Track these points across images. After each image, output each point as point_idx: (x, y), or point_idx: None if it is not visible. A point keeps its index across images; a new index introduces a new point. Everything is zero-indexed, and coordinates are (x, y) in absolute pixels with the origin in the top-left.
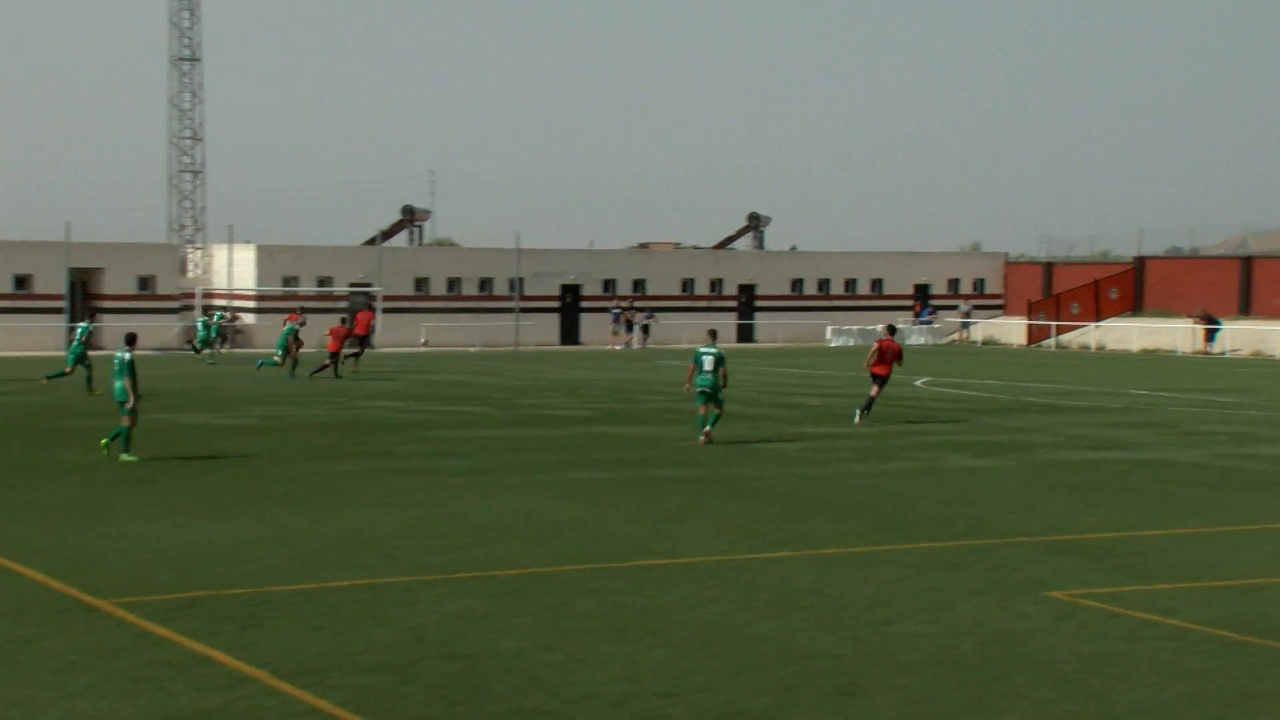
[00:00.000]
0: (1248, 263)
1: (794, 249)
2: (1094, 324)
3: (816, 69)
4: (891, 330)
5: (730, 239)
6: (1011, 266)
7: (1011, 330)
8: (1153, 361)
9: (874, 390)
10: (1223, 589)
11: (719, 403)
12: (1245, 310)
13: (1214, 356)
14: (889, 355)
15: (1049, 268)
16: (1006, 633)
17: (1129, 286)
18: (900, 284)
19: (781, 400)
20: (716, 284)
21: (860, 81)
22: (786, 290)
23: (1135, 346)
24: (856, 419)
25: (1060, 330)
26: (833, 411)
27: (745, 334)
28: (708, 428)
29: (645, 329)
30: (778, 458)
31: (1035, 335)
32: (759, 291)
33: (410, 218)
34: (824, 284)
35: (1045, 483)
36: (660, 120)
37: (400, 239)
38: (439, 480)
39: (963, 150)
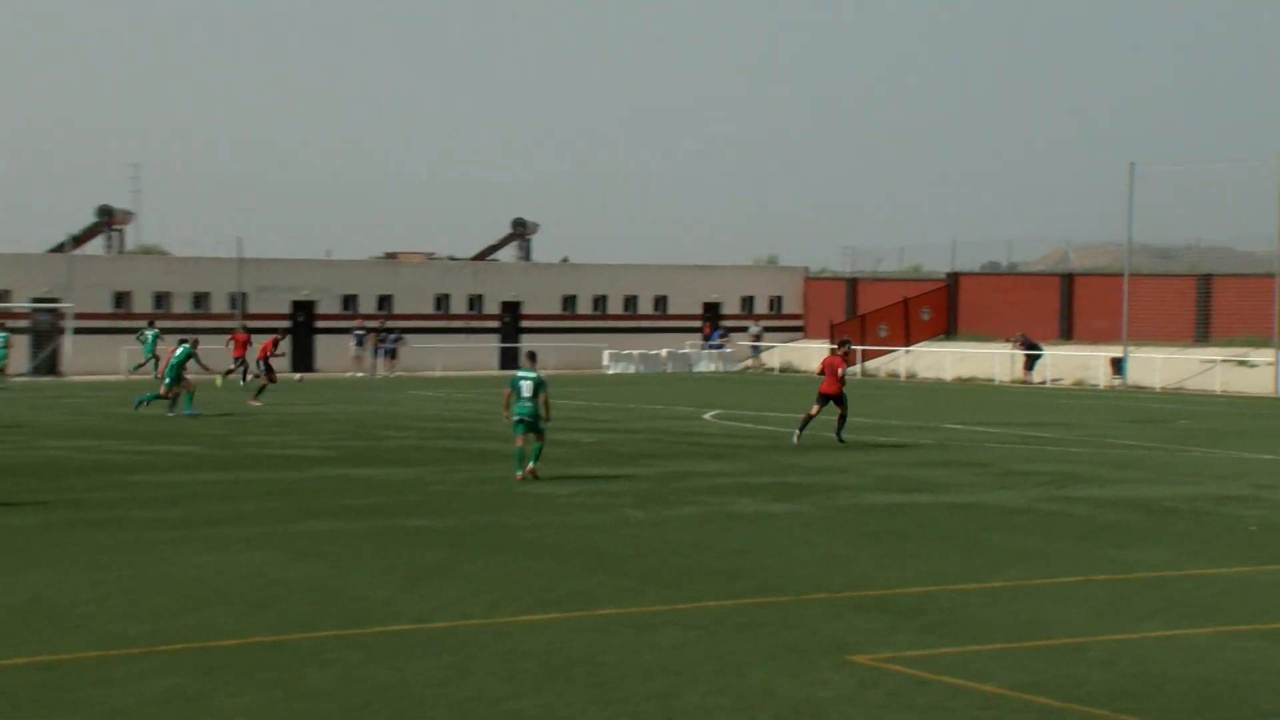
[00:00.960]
0: (1069, 280)
1: (566, 261)
2: (904, 348)
3: (592, 59)
4: (842, 344)
5: (492, 249)
6: (812, 283)
7: (812, 355)
8: (968, 391)
9: (815, 410)
10: (1042, 649)
11: (540, 433)
12: (1067, 334)
13: (1034, 386)
14: (831, 371)
15: (853, 284)
16: (805, 703)
17: (942, 306)
18: (687, 302)
19: (551, 437)
20: (476, 301)
21: (643, 74)
22: (557, 308)
23: (949, 374)
24: (793, 435)
25: (867, 355)
26: (611, 449)
27: (509, 359)
28: (530, 464)
29: (392, 353)
30: (546, 504)
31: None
32: (525, 310)
33: (108, 220)
34: (600, 301)
35: (849, 530)
36: (410, 113)
37: (96, 245)
38: (140, 534)
39: (758, 153)
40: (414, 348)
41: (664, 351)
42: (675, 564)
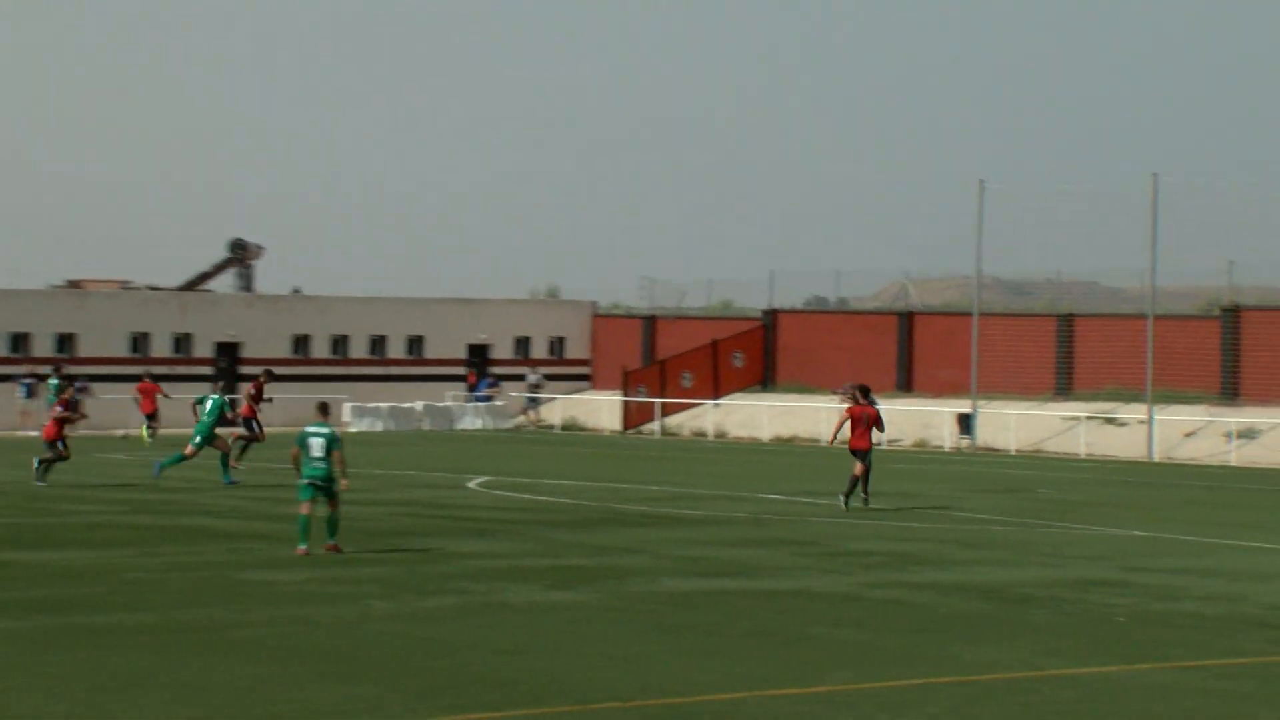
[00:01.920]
0: (908, 320)
1: (297, 292)
2: (712, 401)
3: (340, 51)
4: (864, 392)
5: (204, 276)
6: (602, 321)
7: (601, 409)
8: (790, 454)
9: (856, 469)
10: None
11: (334, 498)
12: (906, 384)
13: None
14: (863, 423)
15: (652, 323)
16: None
17: (757, 350)
18: (448, 344)
19: (275, 510)
20: (183, 340)
21: (400, 73)
22: (286, 350)
23: (767, 433)
24: (843, 504)
25: (667, 410)
26: (352, 525)
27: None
28: (328, 539)
29: (74, 404)
30: (270, 594)
31: (634, 417)
32: (246, 352)
33: None
34: (340, 342)
35: (644, 624)
36: (102, 117)
37: None
38: None
39: (536, 171)
40: (103, 399)
41: (419, 404)
42: (430, 668)
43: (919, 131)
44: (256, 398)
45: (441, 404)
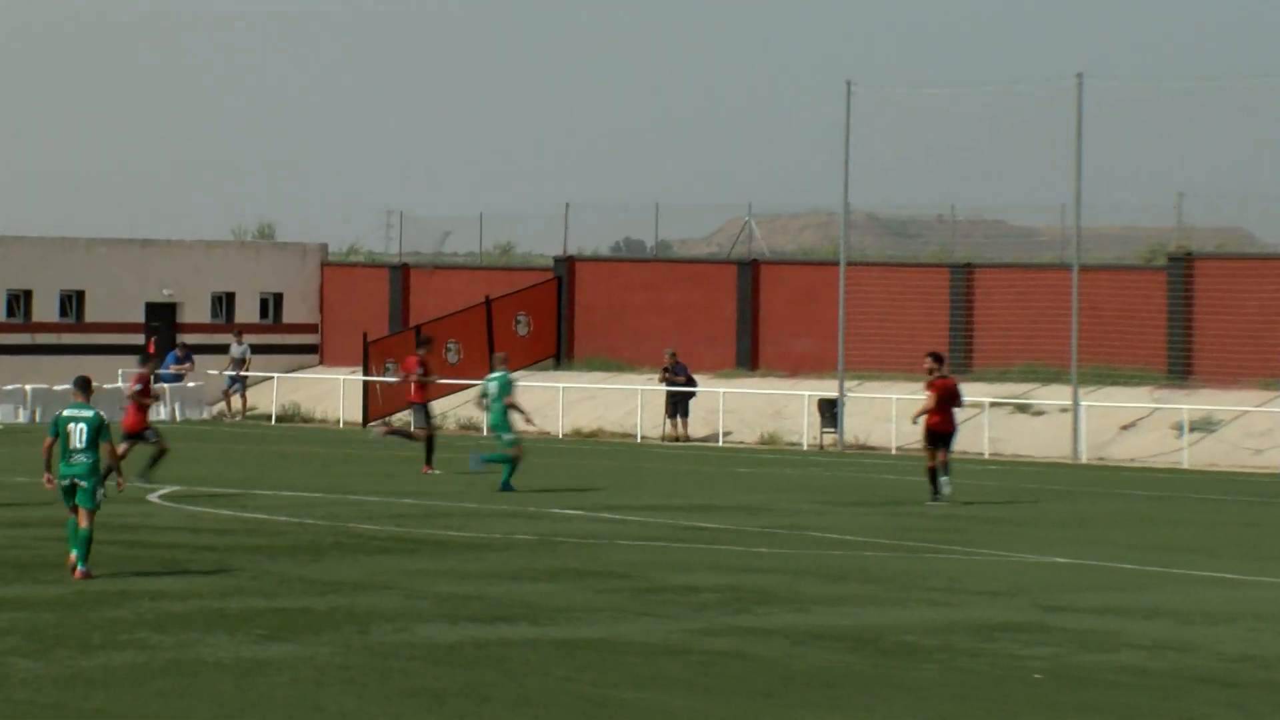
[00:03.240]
0: (751, 271)
1: None
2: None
3: None
4: (939, 360)
5: None
6: (335, 271)
7: (334, 394)
8: (592, 453)
9: (940, 456)
10: None
11: (90, 507)
12: (749, 358)
13: (689, 444)
14: (948, 398)
15: (402, 274)
16: None
17: (548, 312)
18: (119, 303)
19: None
20: None
21: None
22: None
23: (563, 424)
24: (937, 496)
25: (434, 392)
26: (21, 550)
27: None
28: (80, 567)
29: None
30: None
31: (381, 404)
32: None
33: None
34: None
35: (394, 688)
36: None
37: None
38: None
39: (239, 68)
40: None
41: (28, 388)
42: None
43: (765, 20)
44: None
45: (111, 385)
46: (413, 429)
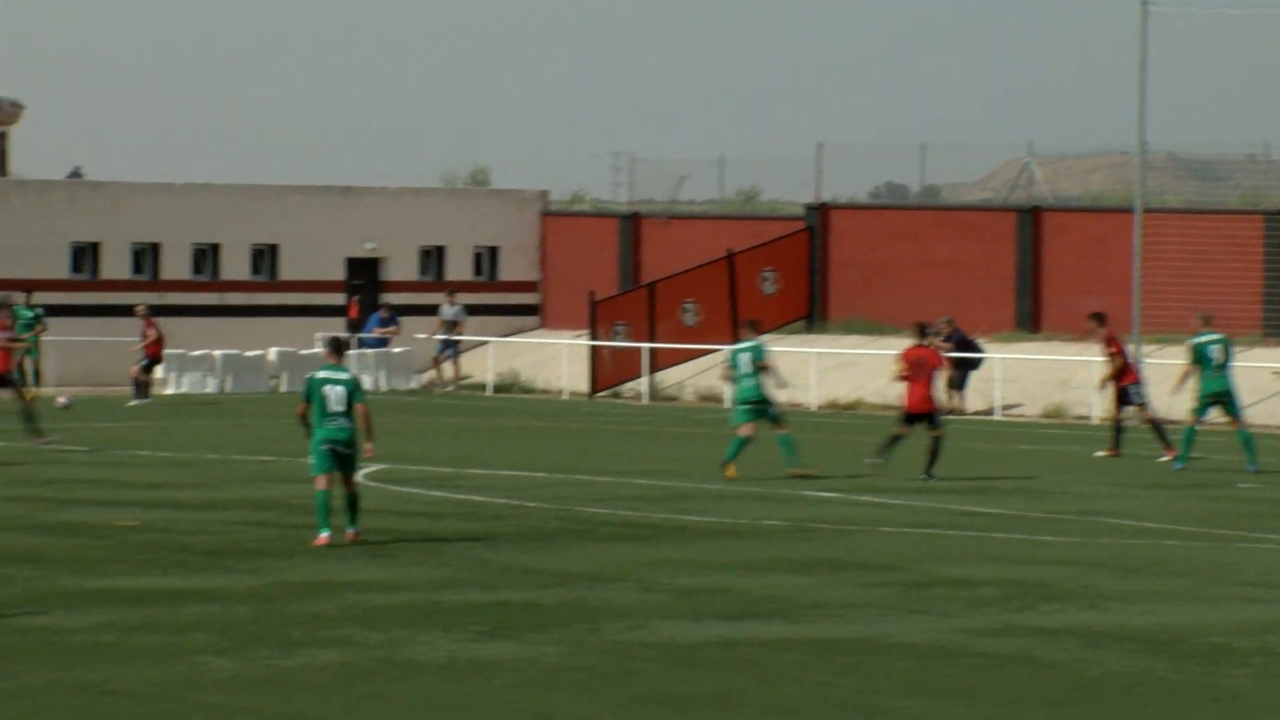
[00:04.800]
0: (1032, 219)
1: (78, 175)
2: (729, 347)
3: None
4: (923, 331)
5: None
6: (557, 222)
7: (557, 360)
8: (850, 428)
9: (898, 430)
10: None
11: (353, 470)
12: (1031, 320)
13: (968, 417)
14: (925, 369)
15: (633, 225)
16: None
17: (799, 268)
18: (317, 258)
19: (51, 517)
20: None
21: None
22: (62, 270)
23: (815, 396)
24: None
25: (660, 360)
26: (172, 541)
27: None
28: (351, 528)
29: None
30: (47, 647)
31: (609, 372)
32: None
33: None
34: (146, 255)
35: (629, 693)
36: None
37: None
38: None
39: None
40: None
41: (272, 352)
42: None
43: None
44: None
45: (307, 351)
46: None
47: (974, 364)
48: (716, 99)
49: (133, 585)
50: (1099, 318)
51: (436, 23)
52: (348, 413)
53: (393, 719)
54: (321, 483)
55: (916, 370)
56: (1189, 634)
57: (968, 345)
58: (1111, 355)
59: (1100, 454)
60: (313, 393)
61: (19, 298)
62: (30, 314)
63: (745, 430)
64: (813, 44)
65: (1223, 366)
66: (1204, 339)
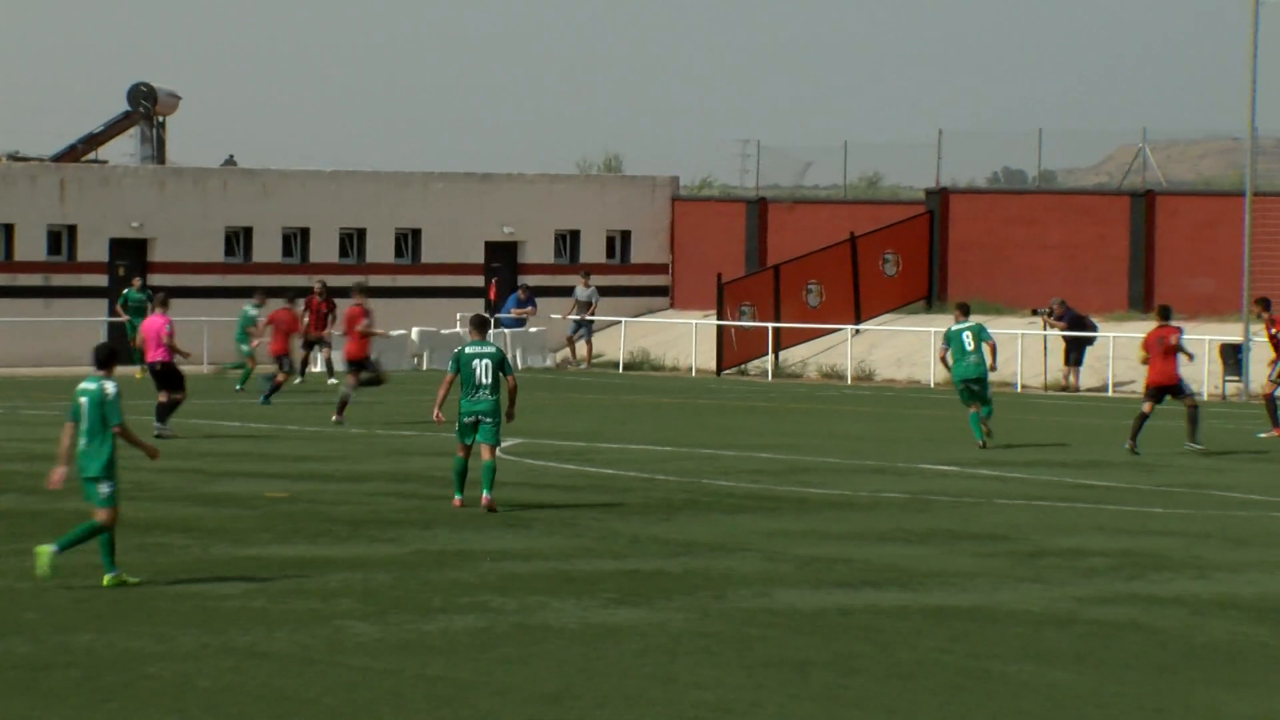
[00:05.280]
0: (1146, 203)
1: (231, 164)
2: (852, 327)
3: None
4: (1165, 314)
5: (94, 140)
6: (687, 207)
7: (686, 339)
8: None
9: (1146, 408)
10: None
11: (495, 438)
12: (1143, 299)
13: (1084, 394)
14: (1164, 347)
15: (760, 210)
16: None
17: (919, 250)
18: (458, 242)
19: (208, 490)
20: (61, 236)
21: None
22: (217, 253)
23: (934, 374)
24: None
25: (785, 339)
26: (319, 512)
27: (125, 343)
28: (487, 493)
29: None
30: (198, 612)
31: (735, 351)
32: (158, 253)
33: None
34: (296, 240)
35: (753, 658)
36: None
37: None
38: None
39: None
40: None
41: (414, 331)
42: None
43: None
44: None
45: (448, 330)
46: None
47: (1088, 341)
48: (840, 88)
49: (281, 553)
50: (1264, 303)
51: (574, 18)
52: (492, 386)
53: (527, 681)
54: (461, 451)
55: (1157, 349)
56: None
57: (1081, 324)
58: (1274, 337)
59: (1264, 435)
60: (461, 366)
61: (135, 282)
62: (141, 297)
63: (974, 408)
64: (934, 35)
65: None
66: None
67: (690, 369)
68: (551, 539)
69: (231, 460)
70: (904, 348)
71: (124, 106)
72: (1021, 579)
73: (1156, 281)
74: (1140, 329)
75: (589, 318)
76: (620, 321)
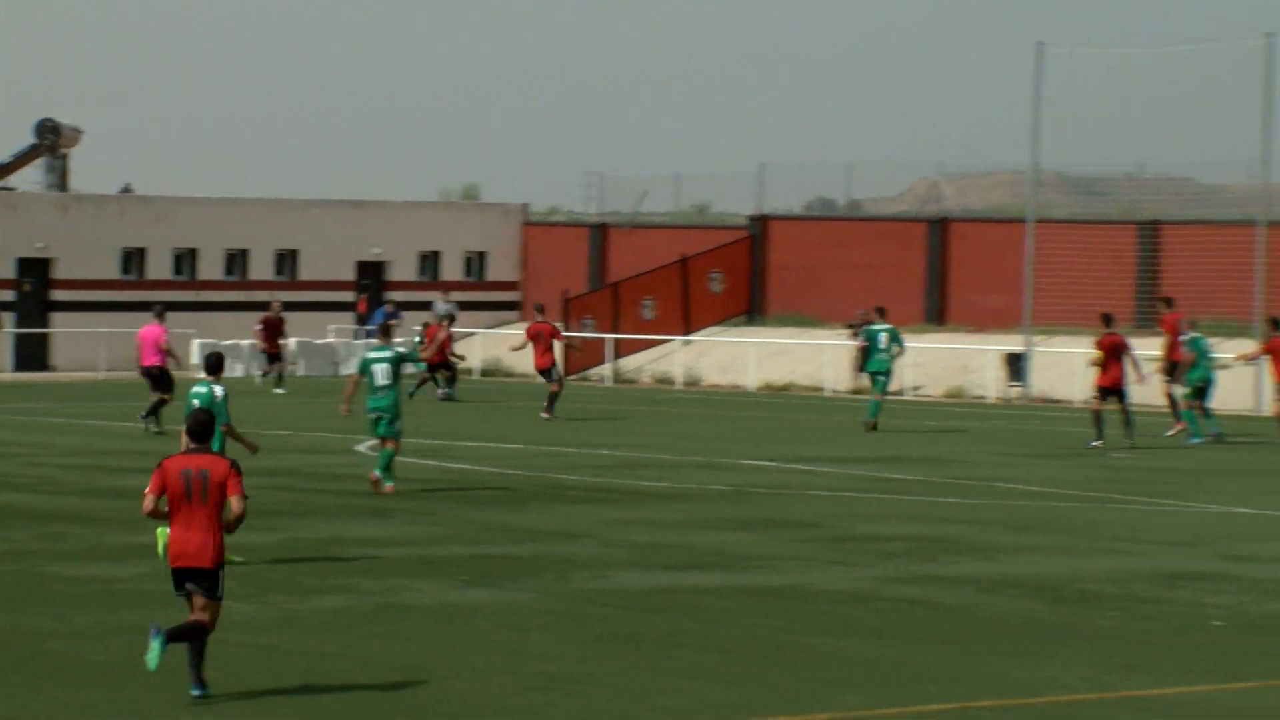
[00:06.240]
0: (941, 229)
1: (128, 191)
2: (682, 338)
3: None
4: (1107, 320)
5: (3, 170)
6: (536, 231)
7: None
8: (784, 407)
9: (1096, 404)
10: None
11: (396, 435)
12: (938, 314)
13: (886, 399)
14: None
15: (601, 233)
16: None
17: (742, 270)
18: (331, 261)
19: (98, 483)
20: None
21: None
22: (114, 270)
23: (754, 379)
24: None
25: (622, 349)
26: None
27: (32, 352)
28: (378, 473)
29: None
30: (95, 594)
31: (580, 357)
32: (60, 271)
33: None
34: (185, 259)
35: (592, 633)
36: None
37: None
38: None
39: (446, 40)
40: None
41: (292, 341)
42: (307, 692)
43: None
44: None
45: (322, 341)
46: None
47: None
48: (674, 124)
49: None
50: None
51: (436, 61)
52: (391, 385)
53: (390, 654)
54: (377, 444)
55: (1111, 355)
56: (1066, 582)
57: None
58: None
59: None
60: (365, 369)
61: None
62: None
63: (877, 395)
64: (757, 76)
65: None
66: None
67: (538, 375)
68: (413, 527)
69: (130, 458)
70: (728, 356)
71: (31, 139)
72: (829, 561)
73: (950, 298)
74: (935, 340)
75: (450, 329)
76: (476, 333)
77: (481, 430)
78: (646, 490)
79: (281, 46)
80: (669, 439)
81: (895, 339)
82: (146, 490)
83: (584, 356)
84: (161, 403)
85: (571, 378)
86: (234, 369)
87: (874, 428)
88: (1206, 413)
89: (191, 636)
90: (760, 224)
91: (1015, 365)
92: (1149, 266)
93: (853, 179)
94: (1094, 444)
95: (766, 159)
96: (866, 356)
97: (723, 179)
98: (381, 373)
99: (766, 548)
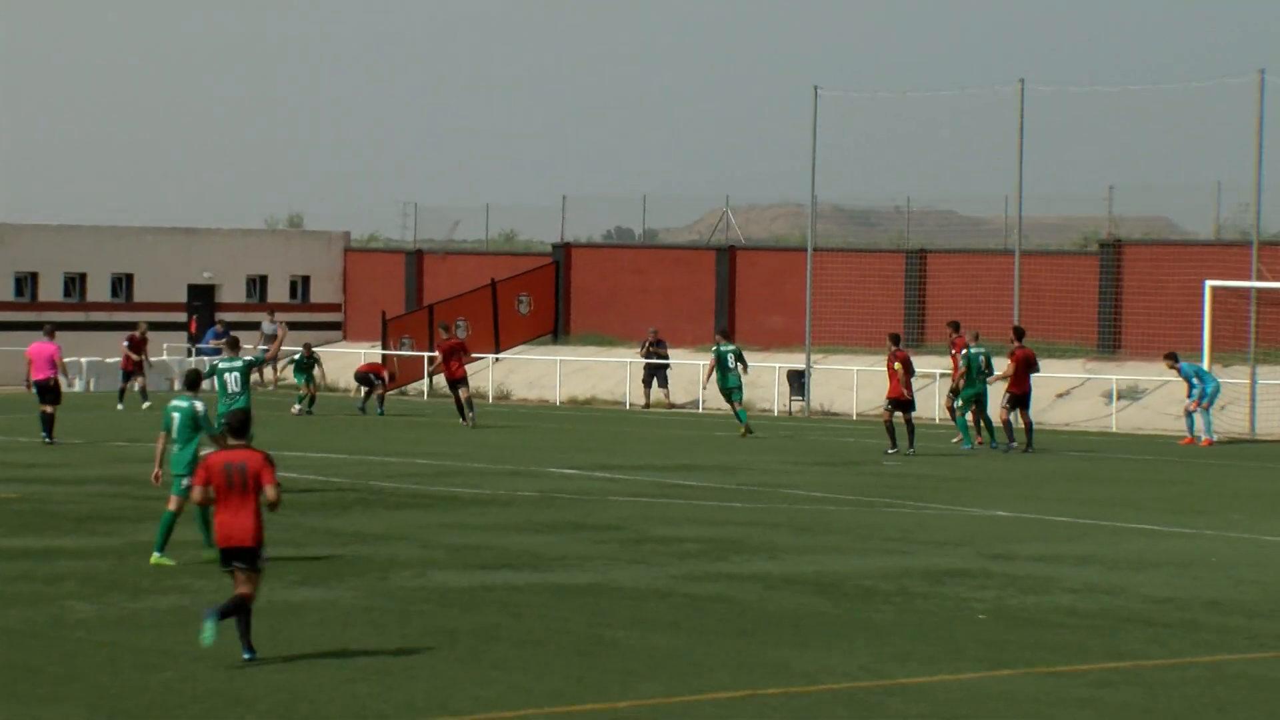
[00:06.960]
0: (729, 256)
1: None
2: (492, 356)
3: None
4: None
5: None
6: (357, 257)
7: (354, 365)
8: (587, 419)
9: (887, 415)
10: None
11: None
12: (726, 335)
13: (673, 410)
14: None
15: (417, 259)
16: None
17: (547, 293)
18: (164, 284)
19: None
20: None
21: None
22: None
23: (559, 394)
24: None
25: (437, 366)
26: (46, 510)
27: None
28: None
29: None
30: None
31: (398, 375)
32: None
33: None
34: (27, 282)
35: (411, 627)
36: None
37: None
38: None
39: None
40: None
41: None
42: (145, 685)
43: (741, 31)
44: None
45: (156, 358)
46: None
47: (668, 366)
48: (484, 157)
49: (11, 544)
50: (954, 325)
51: (259, 94)
52: (241, 391)
53: (221, 650)
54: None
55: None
56: (846, 578)
57: (661, 350)
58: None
59: (956, 441)
60: (217, 376)
61: None
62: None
63: (740, 405)
64: (561, 114)
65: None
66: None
67: (354, 390)
68: None
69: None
70: (535, 372)
71: None
72: (630, 561)
73: (737, 319)
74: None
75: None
76: (299, 352)
77: (307, 441)
78: (462, 496)
79: (117, 80)
80: (482, 449)
81: (739, 358)
82: (194, 483)
83: (402, 373)
84: (51, 415)
85: (391, 393)
86: (74, 385)
87: (749, 431)
88: (982, 425)
89: (238, 610)
90: (564, 251)
91: (797, 381)
92: (916, 291)
93: (648, 210)
94: (890, 451)
95: (569, 191)
96: (720, 374)
97: (529, 209)
98: (233, 380)
99: (573, 548)
